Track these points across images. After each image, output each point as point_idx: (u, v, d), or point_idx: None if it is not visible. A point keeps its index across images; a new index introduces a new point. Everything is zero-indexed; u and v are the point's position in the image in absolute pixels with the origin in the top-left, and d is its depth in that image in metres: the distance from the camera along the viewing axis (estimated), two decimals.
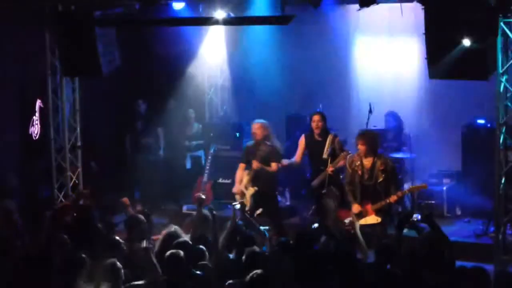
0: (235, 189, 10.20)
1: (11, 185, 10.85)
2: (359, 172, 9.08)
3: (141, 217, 8.15)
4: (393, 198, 8.95)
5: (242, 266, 6.74)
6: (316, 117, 9.93)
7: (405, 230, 9.42)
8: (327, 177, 9.67)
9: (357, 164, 9.11)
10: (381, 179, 8.98)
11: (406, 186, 10.84)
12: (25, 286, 6.52)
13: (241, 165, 10.26)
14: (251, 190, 9.98)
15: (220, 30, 12.88)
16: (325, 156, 9.74)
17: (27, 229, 8.78)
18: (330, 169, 9.60)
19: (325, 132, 9.92)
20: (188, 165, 12.96)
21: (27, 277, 6.52)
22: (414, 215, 10.23)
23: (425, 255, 6.75)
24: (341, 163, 9.66)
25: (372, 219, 9.02)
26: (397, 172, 9.41)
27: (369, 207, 9.03)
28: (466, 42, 8.11)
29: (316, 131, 9.91)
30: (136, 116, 12.77)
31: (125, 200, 9.29)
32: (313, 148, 9.98)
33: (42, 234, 7.78)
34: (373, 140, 9.11)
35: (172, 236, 7.56)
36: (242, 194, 10.04)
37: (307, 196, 10.40)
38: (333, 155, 9.73)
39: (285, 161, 10.29)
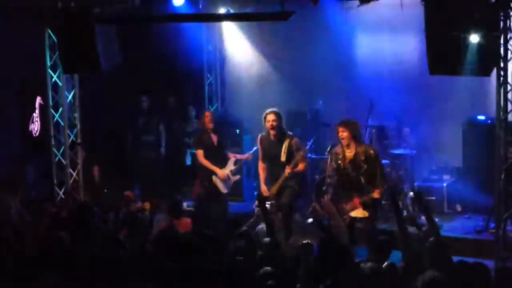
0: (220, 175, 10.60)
1: (31, 179, 10.90)
2: (343, 164, 8.97)
3: (140, 214, 8.16)
4: (376, 194, 8.82)
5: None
6: (270, 117, 9.44)
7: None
8: (283, 181, 9.47)
9: (340, 157, 8.99)
10: (363, 170, 8.86)
11: (407, 184, 10.85)
12: (25, 283, 6.51)
13: (199, 152, 10.64)
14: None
15: (220, 27, 12.87)
16: (283, 159, 9.43)
17: (27, 226, 8.77)
18: (287, 170, 9.33)
19: (281, 133, 9.52)
20: (188, 161, 12.96)
21: (26, 274, 6.52)
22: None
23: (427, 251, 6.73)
24: (300, 167, 9.42)
25: (359, 212, 8.93)
26: (382, 162, 9.21)
27: (356, 200, 8.95)
28: (467, 38, 8.10)
29: (272, 132, 9.48)
30: (137, 113, 12.76)
31: (129, 194, 9.32)
32: (269, 150, 9.62)
33: (41, 231, 7.78)
34: (354, 127, 8.97)
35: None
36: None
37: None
38: (291, 157, 9.43)
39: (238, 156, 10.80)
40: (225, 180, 10.63)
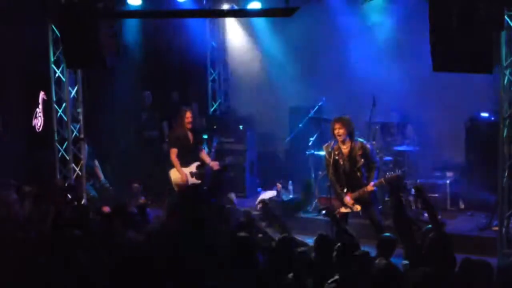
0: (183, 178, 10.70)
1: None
2: (341, 161, 9.03)
3: (134, 209, 8.17)
4: (370, 187, 8.93)
5: None
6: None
7: None
8: None
9: (336, 152, 9.05)
10: (360, 164, 8.96)
11: (409, 181, 10.84)
12: (26, 278, 6.50)
13: (174, 150, 10.74)
14: None
15: (224, 23, 12.87)
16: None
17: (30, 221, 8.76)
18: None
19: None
20: None
21: (29, 268, 6.53)
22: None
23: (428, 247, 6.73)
24: None
25: (349, 208, 9.03)
26: (374, 158, 9.31)
27: (349, 195, 9.01)
28: (471, 35, 8.09)
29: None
30: (140, 108, 12.75)
31: (136, 186, 9.33)
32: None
33: (45, 225, 7.79)
34: (349, 123, 9.05)
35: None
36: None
37: None
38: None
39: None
40: (182, 181, 10.72)
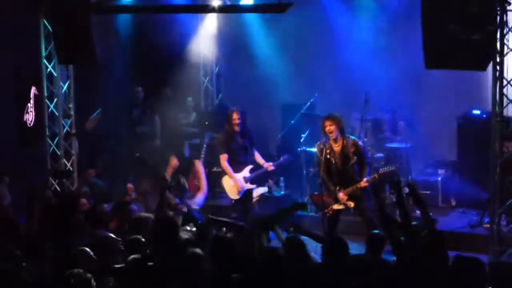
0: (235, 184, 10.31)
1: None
2: (332, 159, 9.01)
3: (105, 206, 8.20)
4: (363, 183, 8.90)
5: None
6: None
7: None
8: None
9: (328, 151, 9.00)
10: (352, 162, 8.95)
11: (403, 178, 10.84)
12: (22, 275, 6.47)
13: (223, 156, 10.23)
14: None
15: (215, 18, 12.83)
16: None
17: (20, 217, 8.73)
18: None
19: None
20: (187, 153, 12.94)
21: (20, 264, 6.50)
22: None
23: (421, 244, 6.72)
24: None
25: (342, 205, 9.04)
26: (366, 155, 9.33)
27: (341, 192, 9.00)
28: (464, 32, 8.09)
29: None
30: (132, 104, 12.71)
31: (130, 187, 9.31)
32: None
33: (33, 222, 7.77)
34: (340, 120, 9.03)
35: None
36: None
37: None
38: None
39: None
40: (236, 187, 10.24)
